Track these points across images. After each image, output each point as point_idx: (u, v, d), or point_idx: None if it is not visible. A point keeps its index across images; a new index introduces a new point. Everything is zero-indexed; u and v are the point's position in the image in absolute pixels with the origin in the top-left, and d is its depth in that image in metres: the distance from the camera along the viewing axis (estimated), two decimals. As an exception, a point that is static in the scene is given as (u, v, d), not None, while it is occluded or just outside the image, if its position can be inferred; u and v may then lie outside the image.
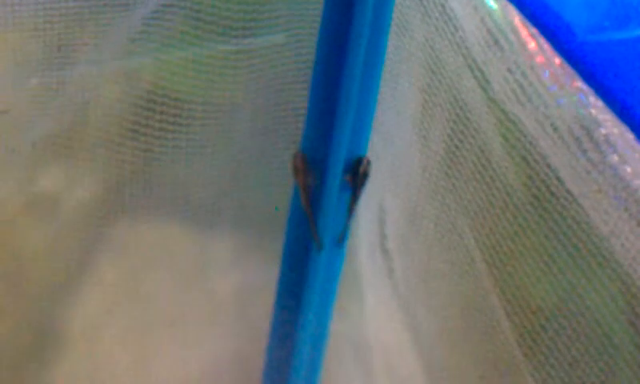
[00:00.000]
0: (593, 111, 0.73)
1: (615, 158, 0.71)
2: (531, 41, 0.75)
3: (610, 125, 0.71)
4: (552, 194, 0.79)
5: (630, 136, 0.69)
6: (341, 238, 0.86)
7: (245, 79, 0.93)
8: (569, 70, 0.72)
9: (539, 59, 0.76)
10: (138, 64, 0.91)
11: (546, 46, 0.74)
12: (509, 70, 0.77)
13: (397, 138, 0.94)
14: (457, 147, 0.87)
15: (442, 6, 0.82)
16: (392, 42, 0.85)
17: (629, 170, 0.71)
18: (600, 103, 0.71)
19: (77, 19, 0.86)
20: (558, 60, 0.74)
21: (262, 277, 0.97)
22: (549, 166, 0.78)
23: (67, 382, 1.06)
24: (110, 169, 0.97)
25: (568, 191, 0.77)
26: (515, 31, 0.76)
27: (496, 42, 0.77)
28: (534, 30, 0.74)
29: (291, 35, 0.92)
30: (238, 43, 0.90)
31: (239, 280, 1.05)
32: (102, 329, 1.05)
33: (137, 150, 0.94)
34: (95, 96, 0.92)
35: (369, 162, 0.85)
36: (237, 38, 0.90)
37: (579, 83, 0.73)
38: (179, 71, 0.93)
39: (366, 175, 0.84)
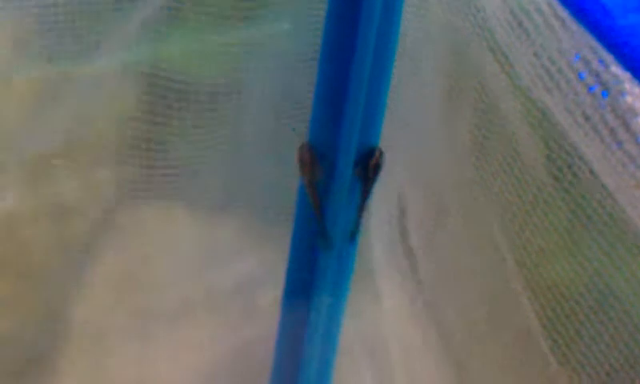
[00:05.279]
0: (629, 99, 0.67)
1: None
2: (559, 22, 0.69)
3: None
4: (585, 188, 0.74)
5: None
6: (352, 235, 0.81)
7: (253, 66, 0.89)
8: (603, 54, 0.67)
9: (568, 43, 0.70)
10: (141, 54, 0.89)
11: (576, 27, 0.68)
12: (535, 55, 0.71)
13: (416, 126, 0.89)
14: (485, 138, 0.82)
15: (464, -16, 0.77)
16: (411, 24, 0.80)
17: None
18: (637, 90, 0.65)
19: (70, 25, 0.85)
20: (590, 43, 0.68)
21: (271, 266, 0.94)
22: (581, 158, 0.73)
23: (70, 377, 1.04)
24: (115, 157, 0.94)
25: (602, 185, 0.72)
26: (541, 12, 0.70)
27: (520, 23, 0.72)
28: (563, 11, 0.68)
29: (297, 22, 0.87)
30: (242, 32, 0.87)
31: (247, 269, 1.02)
32: (105, 321, 1.04)
33: (140, 137, 0.91)
34: (98, 87, 0.90)
35: (381, 153, 0.79)
36: (239, 28, 0.87)
37: (614, 68, 0.67)
38: (185, 60, 0.90)
39: (378, 167, 0.79)
